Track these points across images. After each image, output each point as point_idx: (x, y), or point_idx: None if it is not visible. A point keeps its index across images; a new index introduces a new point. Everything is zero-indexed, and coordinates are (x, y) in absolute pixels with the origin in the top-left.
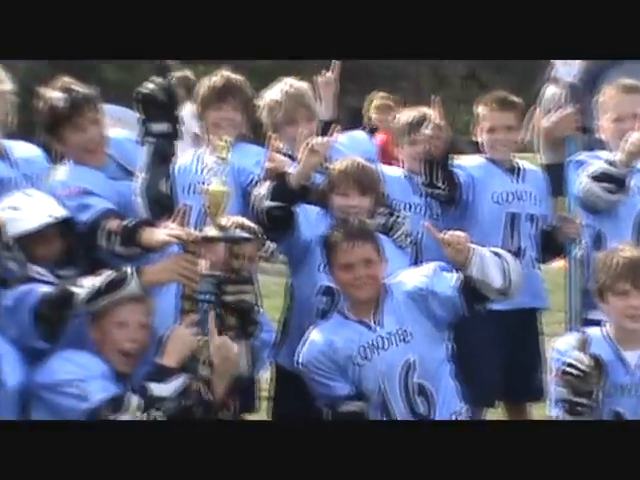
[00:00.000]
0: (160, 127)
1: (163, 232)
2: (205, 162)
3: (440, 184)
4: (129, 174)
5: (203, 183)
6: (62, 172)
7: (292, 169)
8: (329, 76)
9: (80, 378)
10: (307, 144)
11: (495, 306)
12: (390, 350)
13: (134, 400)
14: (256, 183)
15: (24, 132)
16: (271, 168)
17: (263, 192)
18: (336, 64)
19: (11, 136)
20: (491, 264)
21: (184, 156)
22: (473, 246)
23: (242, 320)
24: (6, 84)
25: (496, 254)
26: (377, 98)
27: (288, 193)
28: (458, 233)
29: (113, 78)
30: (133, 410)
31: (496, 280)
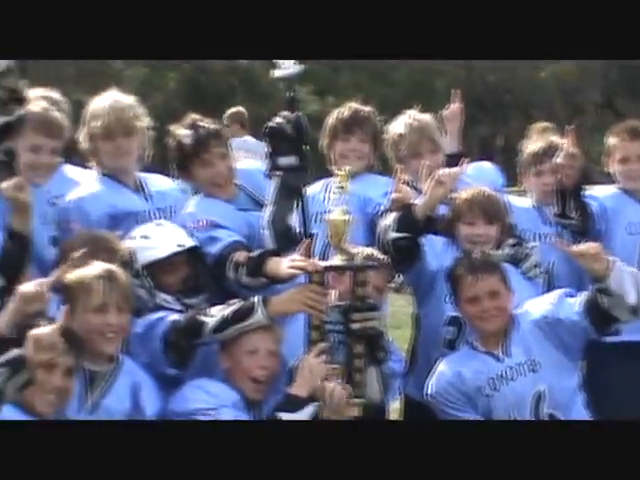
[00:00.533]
0: (287, 160)
1: (288, 264)
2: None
3: (573, 214)
4: (260, 205)
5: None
6: (192, 205)
7: (418, 200)
8: (454, 109)
9: (213, 407)
10: (434, 175)
11: (626, 337)
12: (519, 381)
13: None
14: (382, 214)
15: (161, 165)
16: (397, 199)
17: (389, 223)
18: (458, 93)
19: (148, 169)
20: (627, 278)
21: (314, 185)
22: (611, 257)
23: (370, 347)
24: (144, 120)
25: (631, 270)
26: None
27: (414, 224)
28: (591, 243)
29: (247, 110)
30: None
31: (631, 295)
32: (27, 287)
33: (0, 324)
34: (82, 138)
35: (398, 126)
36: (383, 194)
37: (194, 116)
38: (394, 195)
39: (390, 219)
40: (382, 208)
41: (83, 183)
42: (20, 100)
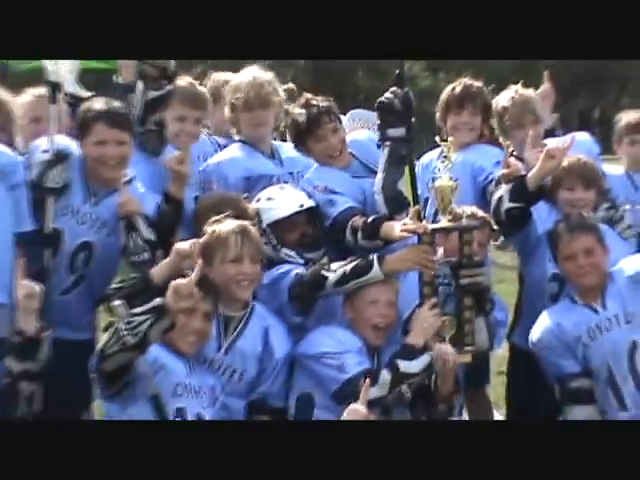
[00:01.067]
0: (396, 132)
1: (400, 228)
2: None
3: None
4: (372, 172)
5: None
6: (310, 172)
7: (530, 173)
8: (546, 89)
9: (340, 352)
10: (547, 150)
11: None
12: (615, 331)
13: (386, 375)
14: (491, 182)
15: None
16: (508, 174)
17: (502, 194)
18: (548, 74)
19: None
20: None
21: (428, 154)
22: None
23: (477, 300)
24: (279, 94)
25: None
26: None
27: (526, 194)
28: None
29: (366, 85)
30: (384, 384)
31: None
32: (182, 245)
33: (155, 275)
34: (225, 109)
35: (503, 100)
36: (493, 164)
37: (307, 95)
38: (505, 170)
39: (503, 190)
40: (492, 177)
41: (224, 149)
42: (169, 77)
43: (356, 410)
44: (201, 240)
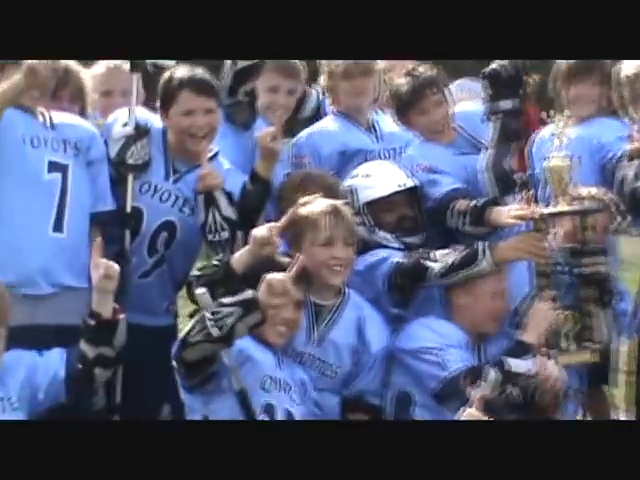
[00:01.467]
0: (506, 104)
1: (509, 213)
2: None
3: None
4: (477, 148)
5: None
6: (412, 149)
7: None
8: None
9: (440, 347)
10: None
11: None
12: None
13: (492, 373)
14: (615, 159)
15: None
16: (635, 149)
17: (633, 172)
18: None
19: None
20: None
21: (544, 130)
22: None
23: (599, 290)
24: (380, 63)
25: None
26: None
27: None
28: None
29: None
30: (492, 383)
31: None
32: (260, 231)
33: (236, 264)
34: (323, 77)
35: (627, 69)
36: (616, 139)
37: (411, 65)
38: (631, 146)
39: (634, 167)
40: (615, 154)
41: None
42: None
43: (472, 416)
44: (279, 224)
